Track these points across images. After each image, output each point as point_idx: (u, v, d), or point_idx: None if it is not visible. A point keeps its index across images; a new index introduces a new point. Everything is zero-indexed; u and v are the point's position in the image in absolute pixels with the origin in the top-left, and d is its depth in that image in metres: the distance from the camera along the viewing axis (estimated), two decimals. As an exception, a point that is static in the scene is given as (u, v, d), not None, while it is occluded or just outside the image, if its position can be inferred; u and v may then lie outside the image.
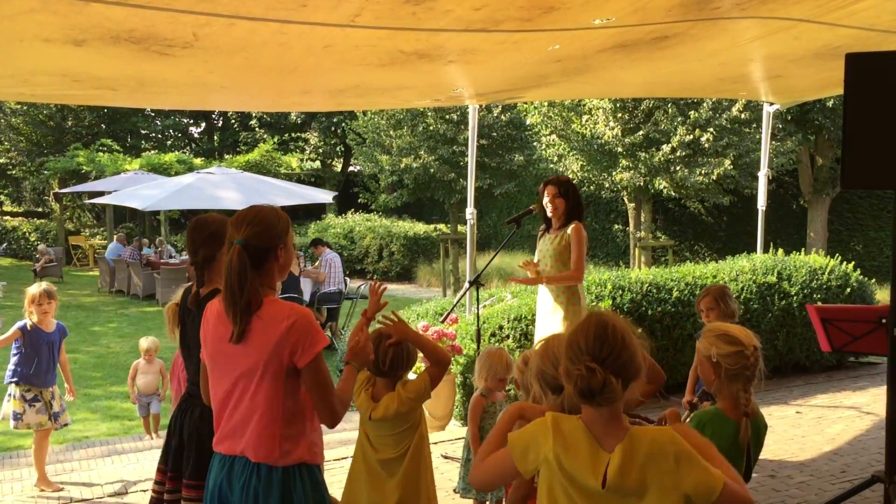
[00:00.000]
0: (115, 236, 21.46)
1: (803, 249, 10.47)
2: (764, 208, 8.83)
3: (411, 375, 3.53)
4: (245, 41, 4.11)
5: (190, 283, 3.57)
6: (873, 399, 7.46)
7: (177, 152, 28.80)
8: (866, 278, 9.12)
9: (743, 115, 14.84)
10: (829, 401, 7.48)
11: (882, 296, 10.62)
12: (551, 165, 18.00)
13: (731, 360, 2.99)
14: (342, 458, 6.08)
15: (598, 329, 2.10)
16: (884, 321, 4.05)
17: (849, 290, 8.56)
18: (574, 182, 5.84)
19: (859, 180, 4.04)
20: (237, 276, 2.59)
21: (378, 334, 3.34)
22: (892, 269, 4.03)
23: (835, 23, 4.58)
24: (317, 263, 13.02)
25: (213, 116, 34.47)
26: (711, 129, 14.76)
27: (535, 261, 5.69)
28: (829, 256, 9.14)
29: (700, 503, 2.03)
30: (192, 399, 3.36)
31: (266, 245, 2.68)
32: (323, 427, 2.86)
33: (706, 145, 14.78)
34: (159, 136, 34.03)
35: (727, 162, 14.77)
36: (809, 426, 6.72)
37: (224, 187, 14.62)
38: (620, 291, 7.44)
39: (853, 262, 9.16)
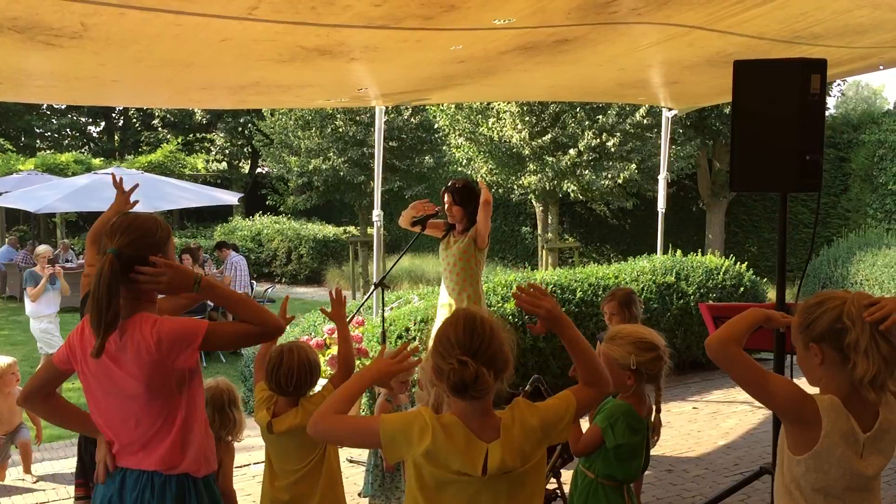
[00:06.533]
0: (6, 239, 20.42)
1: (700, 250, 10.83)
2: (664, 211, 9.11)
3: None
4: (137, 32, 3.95)
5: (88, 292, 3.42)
6: (765, 394, 7.77)
7: (74, 152, 27.63)
8: (759, 278, 9.53)
9: (645, 121, 15.27)
10: (723, 396, 7.76)
11: (774, 294, 11.11)
12: (460, 168, 18.12)
13: (651, 365, 3.09)
14: (245, 465, 5.95)
15: (467, 322, 2.14)
16: (771, 318, 4.20)
17: (742, 289, 8.91)
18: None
19: (748, 183, 4.20)
20: (105, 287, 2.43)
21: (280, 351, 3.24)
22: (777, 269, 4.21)
23: (726, 30, 4.75)
24: (222, 267, 12.70)
25: (114, 115, 33.22)
26: (618, 134, 15.12)
27: (441, 260, 5.71)
28: (725, 257, 9.49)
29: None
30: None
31: (142, 255, 2.51)
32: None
33: (612, 149, 15.14)
34: (55, 135, 32.57)
35: (633, 166, 15.17)
36: (705, 421, 6.95)
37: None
38: (526, 292, 7.52)
39: (747, 263, 9.55)
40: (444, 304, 5.65)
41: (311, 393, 3.31)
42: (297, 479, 3.23)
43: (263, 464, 5.93)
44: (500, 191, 17.26)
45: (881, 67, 6.68)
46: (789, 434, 2.22)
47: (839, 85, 21.53)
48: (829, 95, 20.07)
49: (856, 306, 2.12)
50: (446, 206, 5.52)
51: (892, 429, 2.20)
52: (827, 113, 16.32)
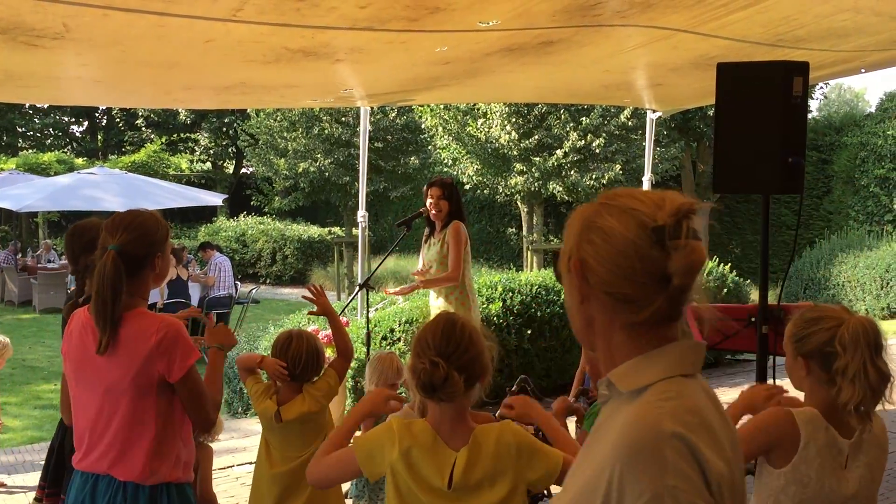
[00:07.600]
0: (-13, 239, 20.26)
1: (685, 252, 10.88)
2: (648, 212, 9.13)
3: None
4: (120, 34, 3.93)
5: (73, 291, 3.44)
6: (748, 394, 7.80)
7: (57, 152, 27.41)
8: (742, 279, 9.59)
9: (630, 122, 15.35)
10: (707, 397, 7.78)
11: (757, 296, 11.18)
12: (446, 169, 18.14)
13: None
14: (228, 467, 5.93)
15: (445, 326, 2.15)
16: (753, 319, 4.24)
17: (726, 290, 8.96)
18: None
19: (730, 185, 4.23)
20: (110, 283, 2.46)
21: (289, 335, 3.28)
22: (760, 270, 4.23)
23: (710, 34, 4.78)
24: (206, 268, 12.64)
25: (97, 115, 32.95)
26: (603, 135, 15.19)
27: (421, 267, 5.71)
28: (708, 259, 9.55)
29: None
30: None
31: (142, 253, 2.55)
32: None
33: (597, 150, 15.20)
34: (38, 134, 32.27)
35: (617, 167, 15.24)
36: (689, 421, 6.97)
37: (105, 188, 14.01)
38: (511, 293, 7.53)
39: (731, 264, 9.61)
40: (434, 307, 5.64)
41: (315, 379, 3.34)
42: (299, 465, 3.22)
43: (248, 465, 5.95)
44: (486, 192, 17.28)
45: (863, 70, 6.74)
46: (770, 450, 2.19)
47: (822, 88, 21.70)
48: (812, 98, 20.24)
49: (850, 332, 2.08)
50: (435, 200, 5.49)
51: (874, 440, 2.17)
52: (809, 115, 16.45)
